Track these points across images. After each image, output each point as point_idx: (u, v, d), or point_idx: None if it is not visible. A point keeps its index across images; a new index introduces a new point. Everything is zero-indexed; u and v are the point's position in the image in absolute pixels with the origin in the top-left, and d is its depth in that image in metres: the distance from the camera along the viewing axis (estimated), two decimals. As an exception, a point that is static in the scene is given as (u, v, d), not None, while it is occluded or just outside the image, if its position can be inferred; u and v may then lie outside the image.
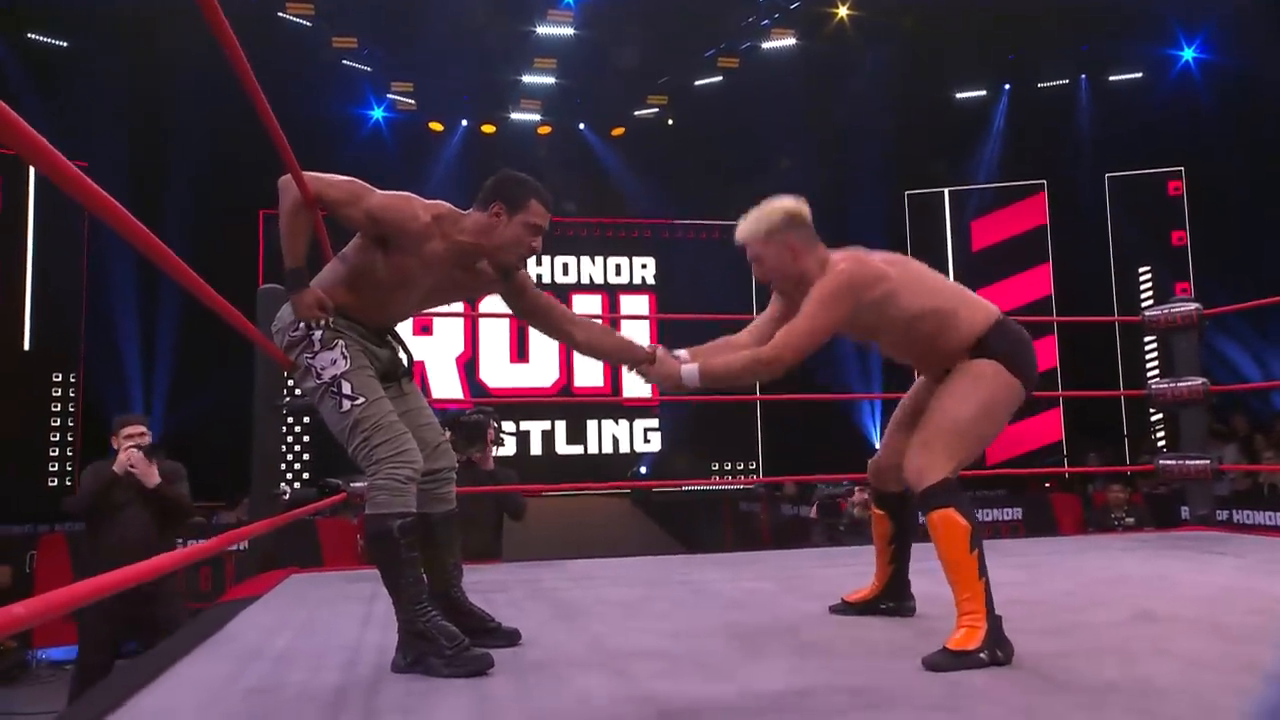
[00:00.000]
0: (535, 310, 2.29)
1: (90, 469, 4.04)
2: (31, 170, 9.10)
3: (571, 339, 2.30)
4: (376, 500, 1.98)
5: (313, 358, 2.05)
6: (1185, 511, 4.53)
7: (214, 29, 1.45)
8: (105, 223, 1.20)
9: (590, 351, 2.35)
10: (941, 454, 2.00)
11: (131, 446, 3.89)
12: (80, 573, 4.17)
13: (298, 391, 3.10)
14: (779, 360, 2.06)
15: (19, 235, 9.16)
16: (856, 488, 5.55)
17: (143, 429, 3.99)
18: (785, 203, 2.23)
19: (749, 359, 2.11)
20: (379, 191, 2.07)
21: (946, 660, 1.84)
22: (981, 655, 1.84)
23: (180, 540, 4.74)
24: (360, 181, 2.08)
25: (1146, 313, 4.39)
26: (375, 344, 2.16)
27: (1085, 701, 1.64)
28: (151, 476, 3.89)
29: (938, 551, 1.97)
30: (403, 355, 2.25)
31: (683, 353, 2.22)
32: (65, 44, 9.68)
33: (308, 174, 2.03)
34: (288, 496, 3.59)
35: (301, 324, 2.06)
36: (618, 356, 2.30)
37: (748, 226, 2.23)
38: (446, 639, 1.92)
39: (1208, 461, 4.06)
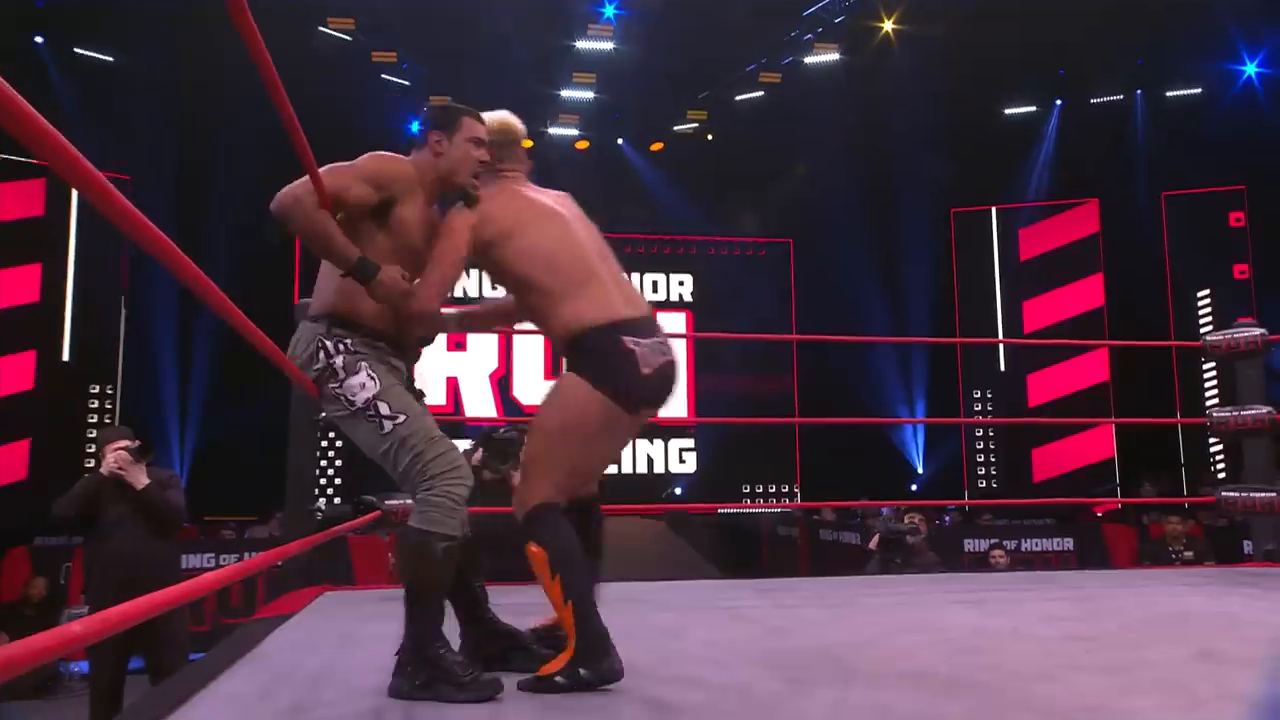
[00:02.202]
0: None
1: (82, 479, 4.13)
2: (75, 190, 9.37)
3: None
4: (428, 516, 1.95)
5: (339, 386, 2.01)
6: (1248, 546, 4.41)
7: (247, 41, 1.48)
8: (140, 246, 1.23)
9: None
10: (534, 490, 2.05)
11: (119, 449, 3.95)
12: (87, 584, 4.24)
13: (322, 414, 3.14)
14: (418, 299, 2.05)
15: (61, 246, 9.43)
16: (909, 515, 5.47)
17: (128, 441, 4.03)
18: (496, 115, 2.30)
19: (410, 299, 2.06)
20: (354, 162, 2.07)
21: (532, 684, 1.94)
22: (558, 679, 1.91)
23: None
24: (338, 164, 2.05)
25: (1207, 338, 4.30)
26: (395, 356, 2.11)
27: (1148, 746, 1.60)
28: (138, 478, 3.93)
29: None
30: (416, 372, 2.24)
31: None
32: (112, 59, 9.97)
33: (300, 183, 1.99)
34: (321, 514, 3.62)
35: (321, 354, 2.03)
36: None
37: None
38: (457, 668, 1.92)
39: (1274, 494, 3.95)
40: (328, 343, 2.05)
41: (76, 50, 9.82)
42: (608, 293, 2.08)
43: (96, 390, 9.49)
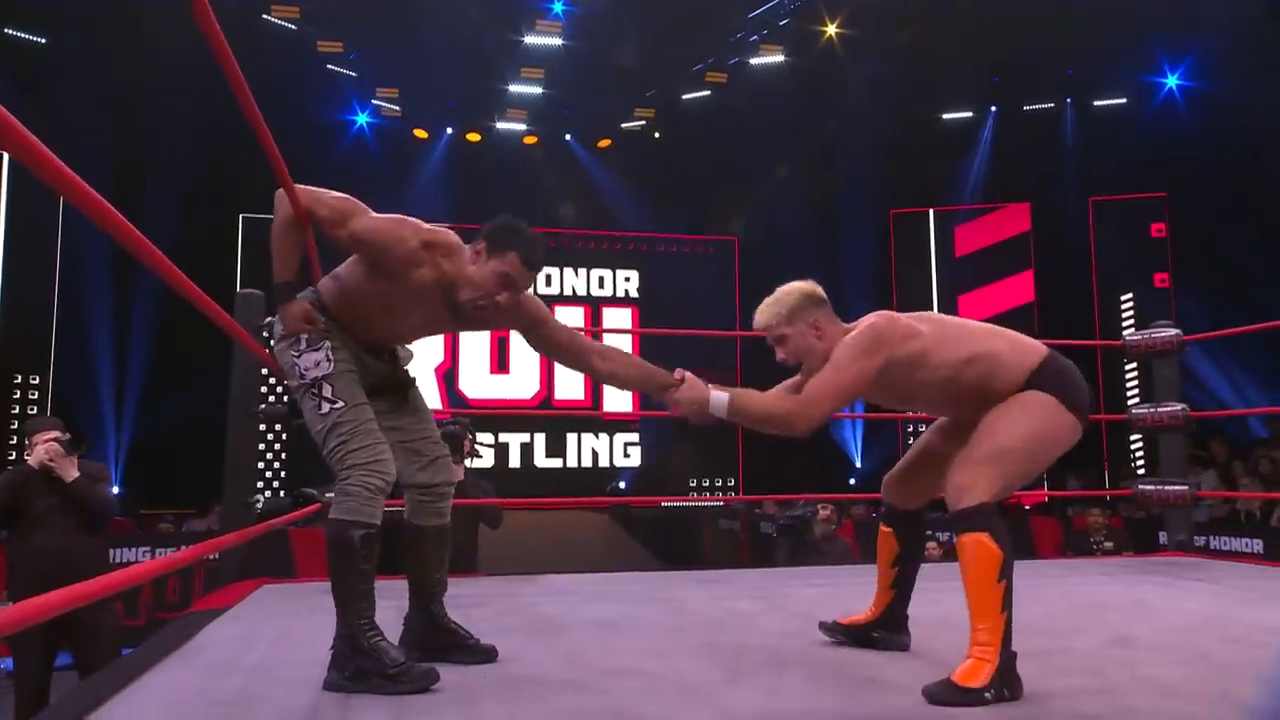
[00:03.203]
0: (555, 345, 2.24)
1: (6, 472, 3.99)
2: (5, 165, 9.01)
3: (594, 371, 2.24)
4: (344, 505, 1.98)
5: (298, 356, 2.05)
6: (1164, 537, 4.58)
7: (207, 36, 1.45)
8: (85, 214, 1.19)
9: (614, 382, 2.28)
10: (986, 475, 1.94)
11: (50, 440, 3.83)
12: (10, 580, 4.08)
13: (270, 399, 3.10)
14: (805, 414, 2.03)
15: (-11, 235, 9.05)
16: (820, 506, 5.61)
17: (58, 432, 3.90)
18: (800, 285, 2.21)
19: (781, 404, 2.08)
20: (372, 214, 2.04)
21: (948, 693, 1.79)
22: (986, 694, 1.79)
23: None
24: (354, 200, 2.05)
25: (1127, 337, 4.45)
26: (369, 354, 2.15)
27: (1063, 728, 1.66)
28: (69, 471, 3.81)
29: (963, 576, 1.91)
30: (400, 369, 2.24)
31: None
32: (44, 40, 9.61)
33: (302, 188, 2.02)
34: (261, 505, 3.55)
35: None
36: (642, 385, 2.26)
37: (767, 311, 2.18)
38: (389, 659, 1.91)
39: (1187, 487, 4.11)
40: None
41: (6, 31, 9.44)
42: (1013, 335, 2.16)
43: (23, 381, 9.13)
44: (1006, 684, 1.82)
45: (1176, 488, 4.12)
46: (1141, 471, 10.17)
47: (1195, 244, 10.54)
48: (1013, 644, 1.86)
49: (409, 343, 2.27)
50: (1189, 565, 3.82)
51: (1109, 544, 6.10)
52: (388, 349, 2.23)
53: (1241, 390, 10.33)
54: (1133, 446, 10.77)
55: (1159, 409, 4.20)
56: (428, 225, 2.10)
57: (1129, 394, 10.70)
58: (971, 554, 1.89)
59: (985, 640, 1.85)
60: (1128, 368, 10.75)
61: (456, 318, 2.15)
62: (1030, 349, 2.10)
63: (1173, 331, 4.23)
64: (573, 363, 2.26)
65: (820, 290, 2.22)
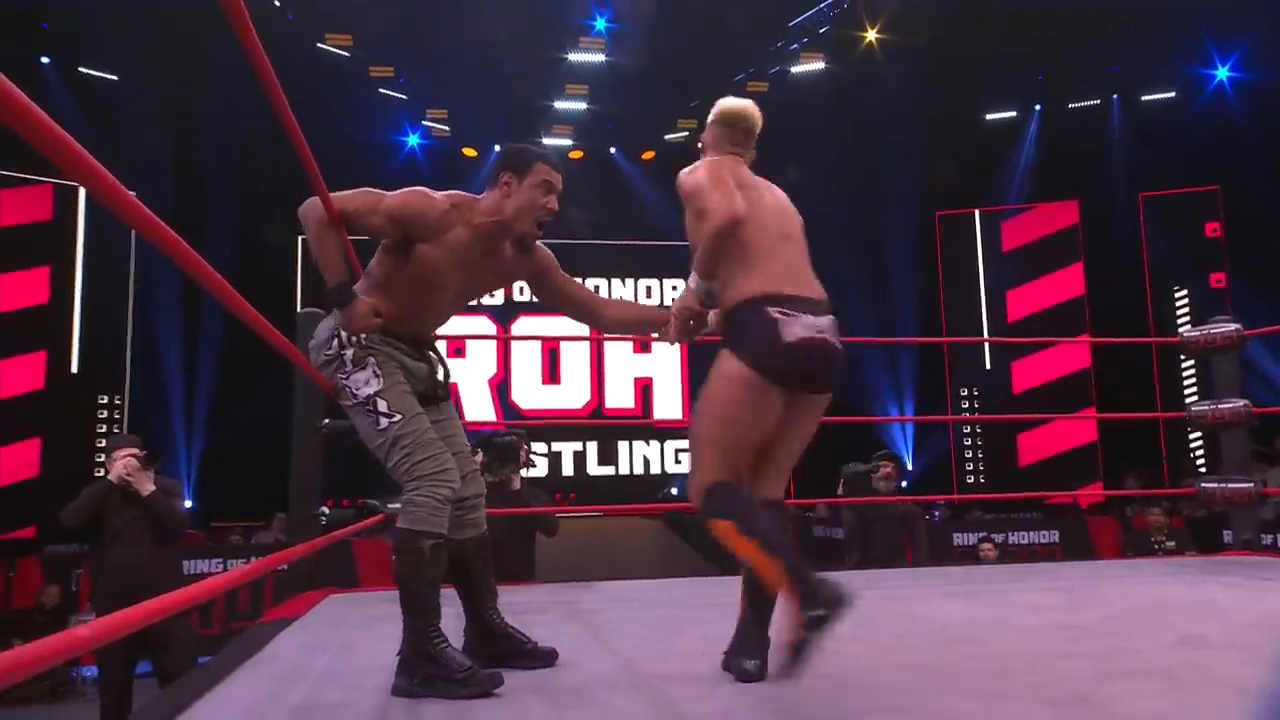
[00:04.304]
0: (565, 295, 2.31)
1: (89, 486, 4.12)
2: (81, 197, 9.36)
3: (603, 318, 2.33)
4: (414, 516, 1.99)
5: (346, 378, 2.07)
6: (1228, 536, 4.42)
7: (252, 58, 1.49)
8: (154, 244, 1.24)
9: (622, 328, 2.37)
10: (697, 470, 1.96)
11: (128, 456, 3.95)
12: (94, 592, 4.25)
13: (326, 421, 3.17)
14: (712, 217, 1.94)
15: (69, 261, 9.41)
16: (881, 464, 5.42)
17: (136, 450, 4.03)
18: (728, 100, 2.23)
19: (702, 233, 1.99)
20: (391, 193, 2.10)
21: (789, 658, 1.70)
22: (808, 634, 1.66)
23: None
24: (373, 189, 2.11)
25: (1184, 334, 4.32)
26: (412, 357, 2.16)
27: (1131, 731, 1.60)
28: (145, 485, 3.94)
29: None
30: (441, 374, 2.26)
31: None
32: (115, 77, 9.97)
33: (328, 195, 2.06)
34: (325, 518, 3.61)
35: (334, 343, 2.08)
36: (646, 323, 2.36)
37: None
38: (456, 664, 1.92)
39: (1251, 485, 3.97)
40: (342, 333, 2.09)
41: (80, 69, 9.82)
42: (772, 270, 1.99)
43: (105, 400, 9.47)
44: (813, 604, 1.67)
45: (1240, 485, 3.98)
46: (1203, 469, 9.85)
47: (1250, 236, 10.20)
48: (1072, 643, 1.81)
49: (451, 314, 2.28)
50: (1256, 564, 3.69)
51: (1170, 543, 5.90)
52: (429, 344, 2.24)
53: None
54: (1192, 444, 10.44)
55: (1220, 405, 4.06)
56: (441, 191, 2.15)
57: (1186, 390, 10.38)
58: (722, 538, 1.88)
59: (784, 586, 1.73)
60: (1184, 363, 10.43)
61: (524, 256, 2.22)
62: (758, 285, 1.95)
63: (1233, 326, 4.09)
64: (583, 315, 2.34)
65: (742, 116, 2.22)
